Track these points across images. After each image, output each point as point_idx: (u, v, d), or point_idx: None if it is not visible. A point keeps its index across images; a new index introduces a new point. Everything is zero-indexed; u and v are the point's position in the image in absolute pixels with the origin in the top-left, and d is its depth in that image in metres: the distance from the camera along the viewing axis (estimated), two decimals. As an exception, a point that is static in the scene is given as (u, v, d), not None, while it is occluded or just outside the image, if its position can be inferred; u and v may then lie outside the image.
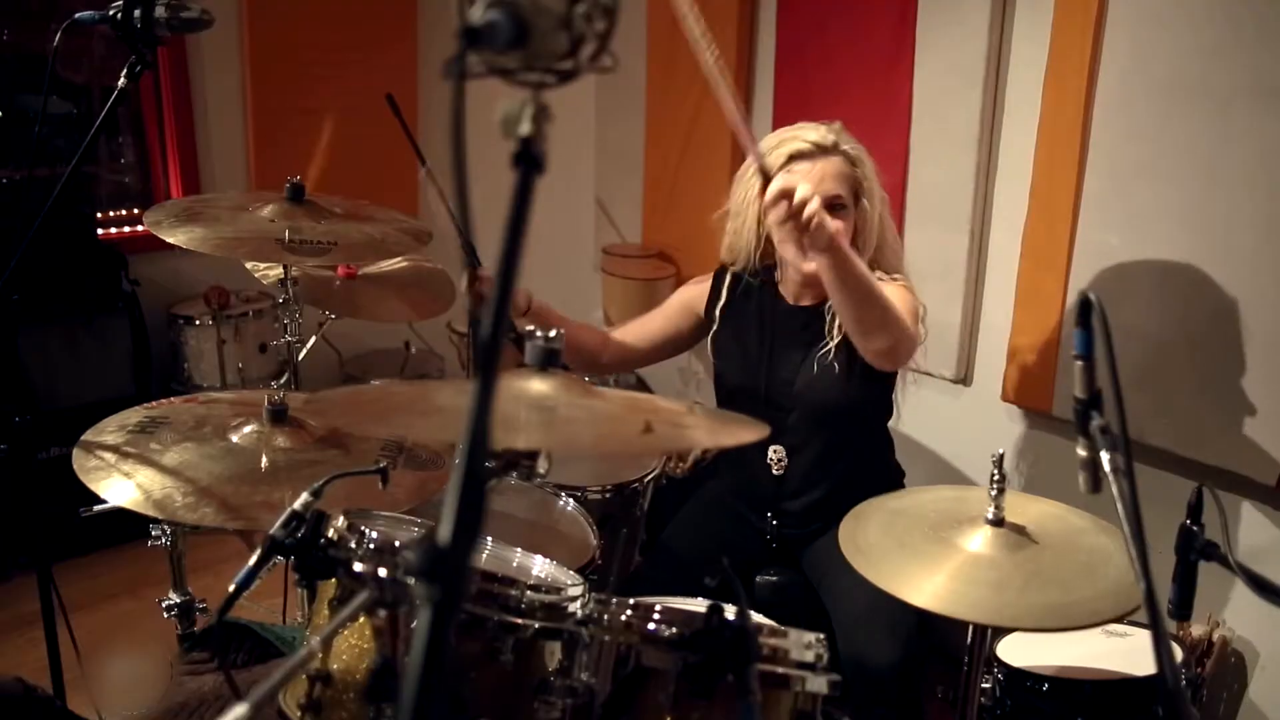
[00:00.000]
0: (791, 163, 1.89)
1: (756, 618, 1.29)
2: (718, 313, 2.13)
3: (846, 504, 2.02)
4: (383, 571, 1.06)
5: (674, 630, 1.16)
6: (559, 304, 3.97)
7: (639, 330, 2.25)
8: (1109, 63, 2.22)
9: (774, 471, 2.03)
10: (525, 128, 0.63)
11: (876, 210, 1.94)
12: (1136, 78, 2.18)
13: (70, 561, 2.94)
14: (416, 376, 3.69)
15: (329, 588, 1.24)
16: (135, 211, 3.49)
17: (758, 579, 2.08)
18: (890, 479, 2.13)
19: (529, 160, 0.63)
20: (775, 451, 2.02)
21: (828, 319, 1.98)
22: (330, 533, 1.19)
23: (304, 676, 1.16)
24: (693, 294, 2.20)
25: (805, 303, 2.05)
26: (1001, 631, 1.84)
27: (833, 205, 1.85)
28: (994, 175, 2.56)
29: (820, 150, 1.89)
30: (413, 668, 0.55)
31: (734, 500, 2.17)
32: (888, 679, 1.77)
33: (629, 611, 1.19)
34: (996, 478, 1.50)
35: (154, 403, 1.72)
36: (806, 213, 1.57)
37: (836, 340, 1.96)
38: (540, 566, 1.52)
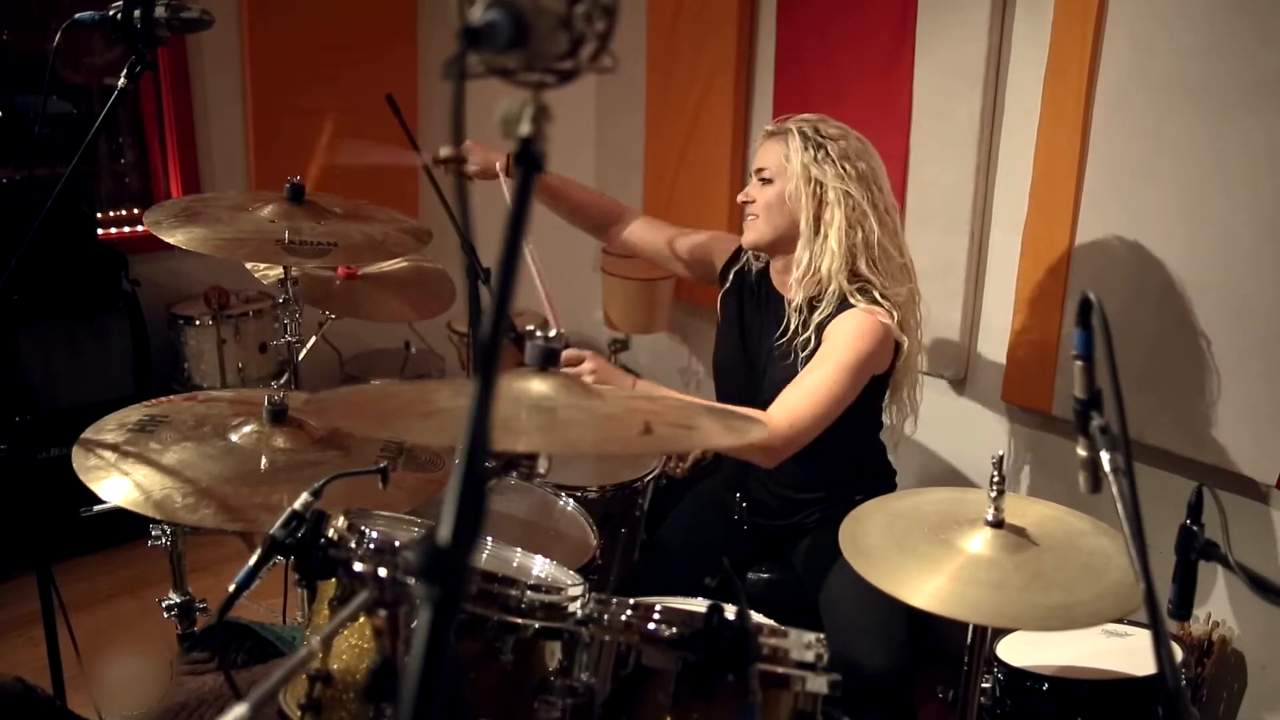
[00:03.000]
0: (757, 146, 2.09)
1: (757, 617, 1.29)
2: (731, 274, 2.19)
3: (826, 502, 2.06)
4: (383, 571, 1.06)
5: (674, 630, 1.16)
6: (559, 304, 3.97)
7: (655, 233, 2.34)
8: (1109, 62, 2.22)
9: None
10: (525, 128, 0.63)
11: (797, 185, 1.96)
12: (1136, 77, 2.18)
13: (70, 561, 2.94)
14: (416, 376, 3.69)
15: (329, 588, 1.24)
16: (135, 211, 3.49)
17: (749, 575, 2.09)
18: (874, 483, 2.08)
19: (529, 160, 0.63)
20: None
21: (790, 314, 2.00)
22: (330, 533, 1.19)
23: (304, 676, 1.16)
24: (720, 246, 2.27)
25: (785, 294, 2.07)
26: (1001, 631, 1.84)
27: (759, 177, 2.03)
28: (994, 175, 2.56)
29: (768, 135, 2.05)
30: (413, 668, 0.55)
31: (716, 486, 2.22)
32: (881, 687, 1.77)
33: (629, 611, 1.19)
34: (996, 480, 1.50)
35: (153, 401, 1.72)
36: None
37: (795, 326, 1.98)
38: (540, 566, 1.52)
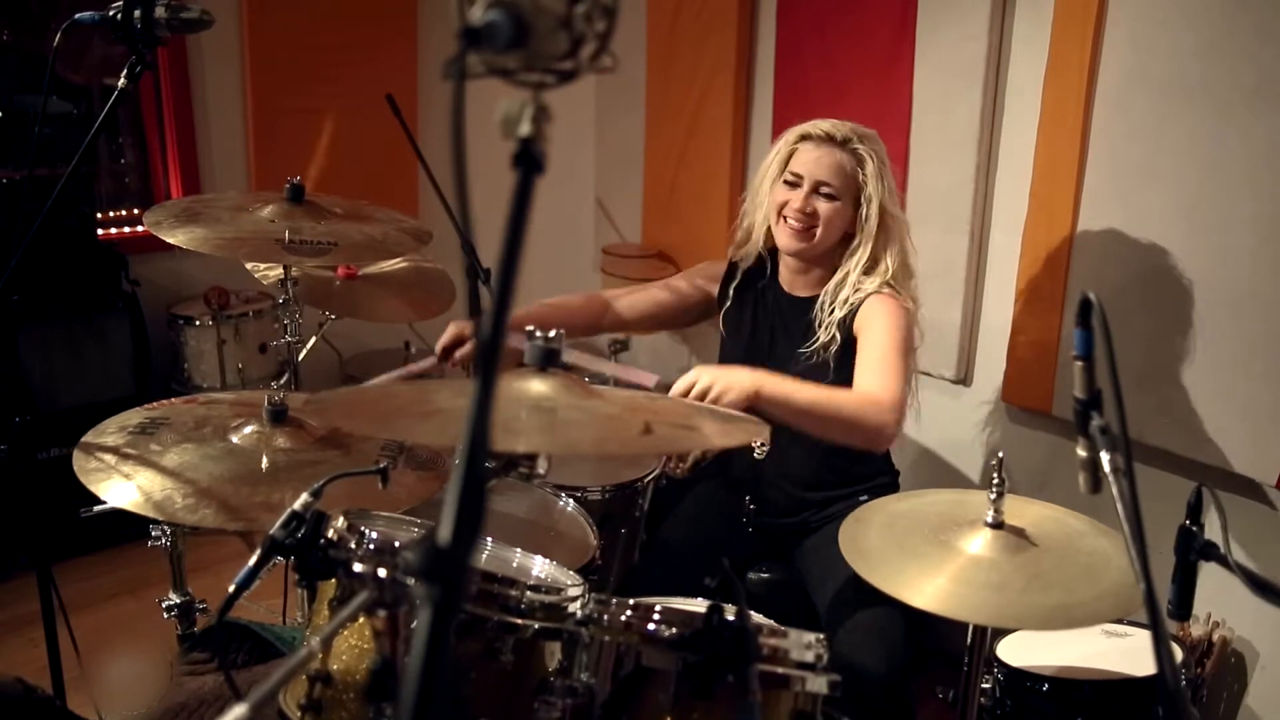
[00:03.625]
0: (800, 143, 2.00)
1: (756, 618, 1.29)
2: (731, 291, 2.17)
3: (831, 502, 2.05)
4: (382, 572, 1.06)
5: (674, 630, 1.16)
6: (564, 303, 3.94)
7: (643, 300, 2.26)
8: (1109, 63, 2.23)
9: (754, 455, 2.04)
10: (525, 128, 0.63)
11: (871, 213, 1.96)
12: (1136, 77, 2.18)
13: (70, 561, 2.94)
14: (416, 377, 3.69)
15: (329, 588, 1.24)
16: (135, 211, 3.49)
17: (750, 575, 2.10)
18: (879, 484, 2.10)
19: (529, 160, 0.63)
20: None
21: (817, 315, 2.00)
22: (330, 533, 1.19)
23: (304, 676, 1.16)
24: (710, 272, 2.24)
25: (800, 293, 2.07)
26: (1001, 632, 1.84)
27: (818, 189, 1.96)
28: (994, 175, 2.56)
29: (828, 139, 1.97)
30: (413, 668, 0.55)
31: (720, 487, 2.21)
32: (877, 688, 1.77)
33: (629, 611, 1.19)
34: (996, 481, 1.50)
35: (154, 404, 1.72)
36: (711, 397, 1.70)
37: (824, 339, 1.97)
38: (540, 567, 1.52)
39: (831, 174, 1.96)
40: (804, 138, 2.00)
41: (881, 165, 1.97)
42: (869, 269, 1.98)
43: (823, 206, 1.97)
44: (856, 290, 1.97)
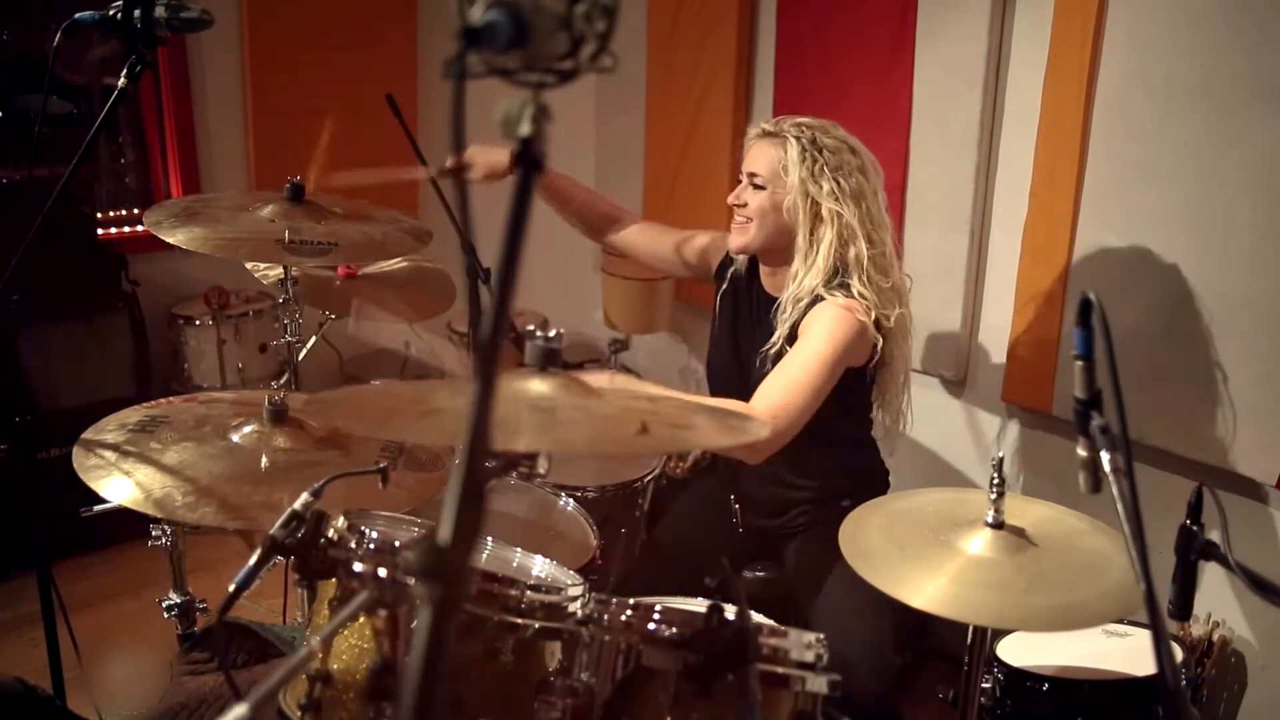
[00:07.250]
0: (750, 142, 2.04)
1: (756, 617, 1.29)
2: (728, 273, 2.17)
3: (819, 502, 2.05)
4: (383, 571, 1.06)
5: (674, 630, 1.16)
6: (559, 304, 3.96)
7: (649, 237, 2.33)
8: (1109, 63, 2.22)
9: None
10: (525, 128, 0.63)
11: (796, 201, 1.91)
12: (1136, 78, 2.18)
13: (70, 561, 2.94)
14: (416, 377, 3.69)
15: (329, 588, 1.24)
16: (135, 211, 3.50)
17: (745, 574, 2.10)
18: (868, 483, 2.07)
19: (529, 160, 0.63)
20: None
21: (774, 317, 1.98)
22: (330, 533, 1.19)
23: (304, 676, 1.16)
24: (717, 244, 2.25)
25: (775, 294, 2.05)
26: (1001, 631, 1.84)
27: (752, 181, 1.99)
28: (994, 175, 2.56)
29: (764, 134, 2.00)
30: (413, 668, 0.55)
31: (714, 487, 2.21)
32: (868, 696, 1.76)
33: (629, 611, 1.20)
34: (996, 481, 1.50)
35: (154, 402, 1.72)
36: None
37: (779, 340, 1.95)
38: (540, 566, 1.52)
39: (760, 164, 1.97)
40: (752, 137, 2.03)
41: (814, 152, 1.91)
42: (810, 263, 1.92)
43: (751, 196, 1.97)
44: (808, 290, 1.92)
